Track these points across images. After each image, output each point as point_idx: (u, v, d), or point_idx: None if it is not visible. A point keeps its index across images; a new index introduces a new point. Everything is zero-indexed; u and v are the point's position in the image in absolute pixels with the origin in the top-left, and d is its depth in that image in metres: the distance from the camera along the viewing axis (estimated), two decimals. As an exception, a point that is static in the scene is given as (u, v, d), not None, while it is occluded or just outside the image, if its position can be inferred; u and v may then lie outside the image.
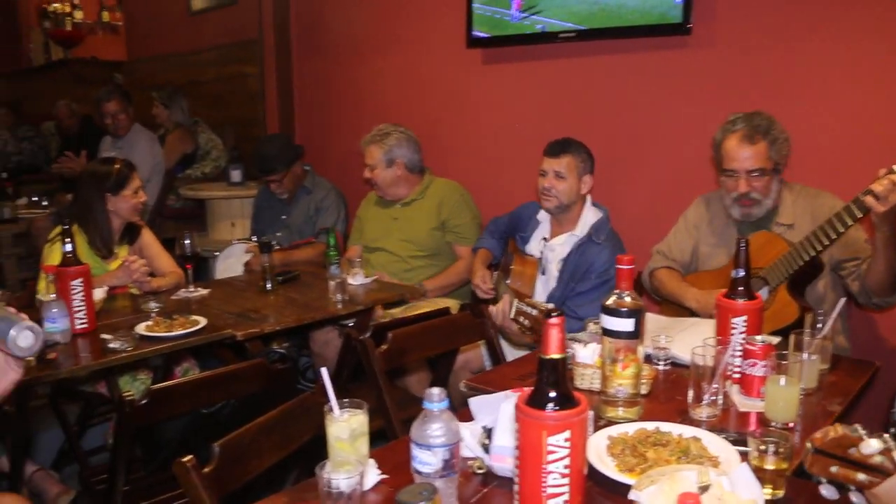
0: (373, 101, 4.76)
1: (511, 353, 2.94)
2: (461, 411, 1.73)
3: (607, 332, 1.74)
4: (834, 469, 1.31)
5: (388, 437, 2.23)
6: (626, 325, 1.71)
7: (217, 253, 3.97)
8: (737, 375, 1.90)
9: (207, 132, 5.95)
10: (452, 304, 3.50)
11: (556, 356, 1.20)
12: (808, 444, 1.35)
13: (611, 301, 1.73)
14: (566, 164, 2.97)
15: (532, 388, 1.24)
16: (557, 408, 1.20)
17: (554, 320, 1.20)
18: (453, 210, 3.65)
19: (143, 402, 1.91)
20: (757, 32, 3.04)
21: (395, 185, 3.68)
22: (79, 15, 9.75)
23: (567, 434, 1.20)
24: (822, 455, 1.33)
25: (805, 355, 1.91)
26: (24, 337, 1.20)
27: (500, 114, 4.01)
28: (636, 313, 1.71)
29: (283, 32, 5.28)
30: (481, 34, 3.88)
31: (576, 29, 3.47)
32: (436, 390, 1.24)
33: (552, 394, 1.21)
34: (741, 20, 3.07)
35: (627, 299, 1.72)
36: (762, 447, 1.41)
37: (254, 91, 5.67)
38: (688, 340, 2.19)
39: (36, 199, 6.11)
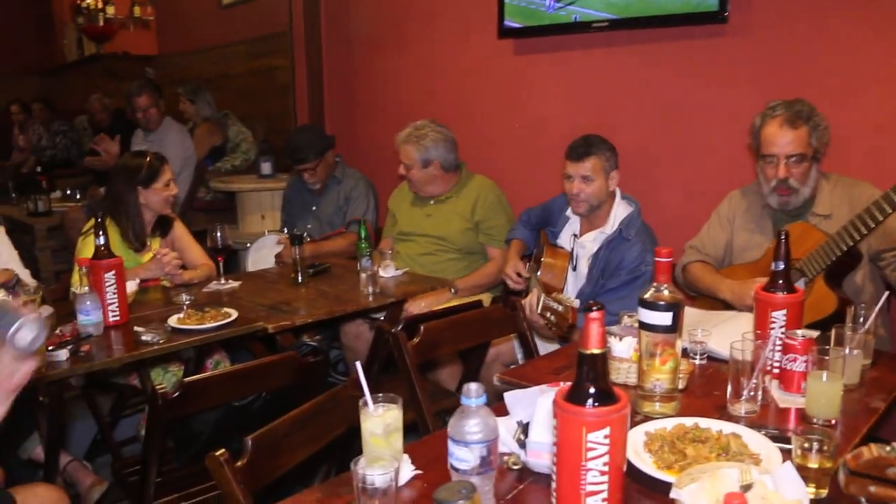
0: (403, 92, 4.74)
1: (544, 347, 2.91)
2: (495, 405, 1.70)
3: (644, 326, 1.70)
4: (873, 489, 1.28)
5: (420, 431, 2.22)
6: (664, 318, 1.67)
7: (248, 245, 3.97)
8: (776, 370, 1.86)
9: (237, 125, 5.97)
10: (485, 297, 3.49)
11: (595, 351, 1.18)
12: (842, 466, 1.32)
13: (648, 294, 1.69)
14: (591, 166, 2.91)
15: (571, 383, 1.21)
16: (597, 404, 1.18)
17: (594, 314, 1.17)
18: (488, 211, 3.60)
19: (176, 394, 1.91)
20: (795, 20, 2.97)
21: (431, 183, 3.64)
22: (111, 10, 9.82)
23: (607, 431, 1.17)
24: (858, 476, 1.29)
25: (847, 350, 1.86)
26: (26, 332, 1.15)
27: (533, 105, 3.96)
28: (674, 307, 1.67)
29: (313, 25, 5.27)
30: (513, 24, 3.84)
31: (609, 18, 3.42)
32: (473, 386, 1.22)
33: (592, 389, 1.18)
34: (779, 7, 3.00)
35: (665, 292, 1.68)
36: (806, 445, 1.37)
37: (284, 84, 5.67)
38: (725, 334, 2.15)
39: (69, 192, 6.19)
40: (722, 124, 3.21)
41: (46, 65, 10.25)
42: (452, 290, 3.33)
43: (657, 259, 1.71)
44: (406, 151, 3.60)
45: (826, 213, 2.59)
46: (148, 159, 3.17)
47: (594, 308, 1.18)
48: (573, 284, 3.05)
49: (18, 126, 8.65)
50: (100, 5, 9.62)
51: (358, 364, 1.47)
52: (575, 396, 1.19)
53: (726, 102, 3.19)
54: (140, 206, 3.15)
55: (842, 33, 2.88)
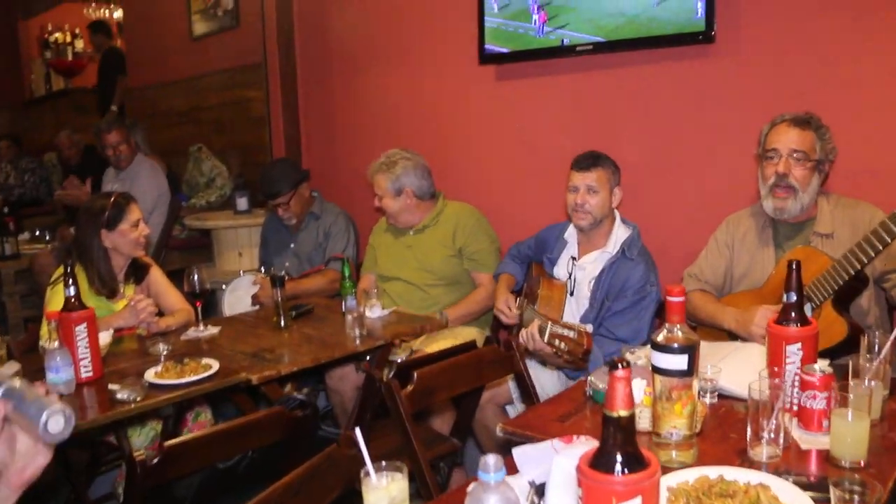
0: (382, 124, 4.63)
1: (537, 377, 2.80)
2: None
3: (658, 371, 1.59)
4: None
5: (417, 482, 2.10)
6: (679, 362, 1.57)
7: (225, 287, 3.83)
8: (795, 408, 1.76)
9: (212, 159, 5.84)
10: (476, 334, 3.37)
11: (623, 413, 1.07)
12: None
13: (661, 337, 1.58)
14: (598, 177, 2.85)
15: (590, 443, 1.10)
16: (626, 470, 1.06)
17: (620, 373, 1.06)
18: (469, 236, 3.49)
19: (155, 460, 1.76)
20: (784, 38, 2.91)
21: (406, 212, 3.54)
22: (79, 44, 9.72)
23: (638, 500, 1.06)
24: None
25: (866, 382, 1.76)
26: (54, 422, 1.11)
27: (517, 132, 3.87)
28: (690, 349, 1.56)
29: (288, 55, 5.16)
30: (496, 49, 3.74)
31: (594, 41, 3.34)
32: (491, 460, 1.09)
33: (620, 456, 1.07)
34: (766, 25, 2.95)
35: (679, 334, 1.58)
36: (847, 496, 1.26)
37: (259, 116, 5.55)
38: (734, 368, 2.06)
39: (38, 233, 6.01)
40: (714, 145, 3.14)
41: (14, 100, 10.06)
42: (442, 318, 3.22)
43: (669, 298, 1.60)
44: (378, 181, 3.52)
45: (827, 231, 2.51)
46: (112, 199, 3.03)
47: (620, 365, 1.07)
48: (570, 313, 2.94)
49: (-15, 163, 8.47)
50: (68, 39, 9.50)
51: (357, 431, 1.35)
52: (602, 463, 1.08)
53: (717, 123, 3.12)
54: (107, 250, 3.01)
55: (830, 50, 2.82)
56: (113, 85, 7.40)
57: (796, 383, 1.74)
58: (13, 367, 2.56)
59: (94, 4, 9.57)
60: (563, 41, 3.44)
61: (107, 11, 9.62)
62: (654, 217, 3.30)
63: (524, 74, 3.77)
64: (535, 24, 3.55)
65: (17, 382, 1.15)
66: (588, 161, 2.88)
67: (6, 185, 8.07)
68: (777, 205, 2.53)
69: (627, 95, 3.40)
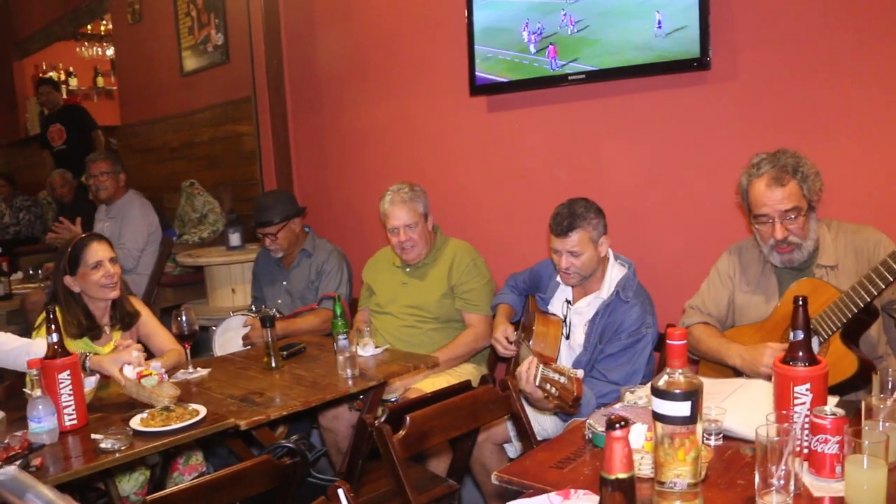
0: (374, 157, 4.58)
1: (535, 416, 2.73)
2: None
3: (659, 417, 1.51)
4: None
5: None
6: (682, 408, 1.49)
7: (215, 328, 3.75)
8: (805, 452, 1.68)
9: (204, 195, 5.79)
10: (472, 371, 3.30)
11: (622, 475, 0.99)
12: None
13: (662, 382, 1.51)
14: (577, 240, 2.73)
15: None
16: (626, 537, 0.99)
17: (617, 433, 0.99)
18: (463, 275, 3.42)
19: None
20: (781, 64, 2.86)
21: (424, 242, 3.46)
22: (74, 82, 9.76)
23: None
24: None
25: (884, 424, 1.68)
26: None
27: (510, 163, 3.81)
28: (692, 395, 1.49)
29: (278, 89, 5.13)
30: (487, 79, 3.69)
31: (586, 70, 3.29)
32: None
33: (619, 522, 0.99)
34: (762, 51, 2.89)
35: (681, 379, 1.50)
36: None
37: (250, 150, 5.50)
38: (740, 408, 1.98)
39: (32, 272, 5.94)
40: (712, 173, 3.07)
41: (9, 139, 10.06)
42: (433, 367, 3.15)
43: (670, 342, 1.53)
44: (409, 210, 3.39)
45: (832, 263, 2.44)
46: (74, 242, 2.96)
47: (618, 425, 1.00)
48: (567, 354, 2.87)
49: (-19, 202, 8.44)
50: (62, 77, 9.52)
51: (341, 493, 1.27)
52: (600, 530, 1.00)
53: (714, 150, 3.07)
54: (79, 294, 2.94)
55: (828, 76, 2.77)
56: (87, 143, 7.36)
57: (806, 426, 1.66)
58: (-4, 415, 2.49)
59: (86, 43, 9.60)
60: (583, 75, 3.35)
61: (99, 50, 9.66)
62: (650, 248, 3.24)
63: (516, 105, 3.73)
64: (530, 52, 3.50)
65: (52, 494, 1.17)
66: (564, 224, 2.74)
67: (1, 223, 8.03)
68: (784, 259, 2.46)
69: (622, 124, 3.34)
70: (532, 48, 3.48)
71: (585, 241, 2.74)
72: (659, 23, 3.03)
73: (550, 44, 3.41)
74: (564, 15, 3.33)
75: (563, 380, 2.25)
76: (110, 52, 9.27)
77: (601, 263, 2.83)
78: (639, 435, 1.75)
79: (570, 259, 2.76)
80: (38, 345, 2.64)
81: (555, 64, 3.40)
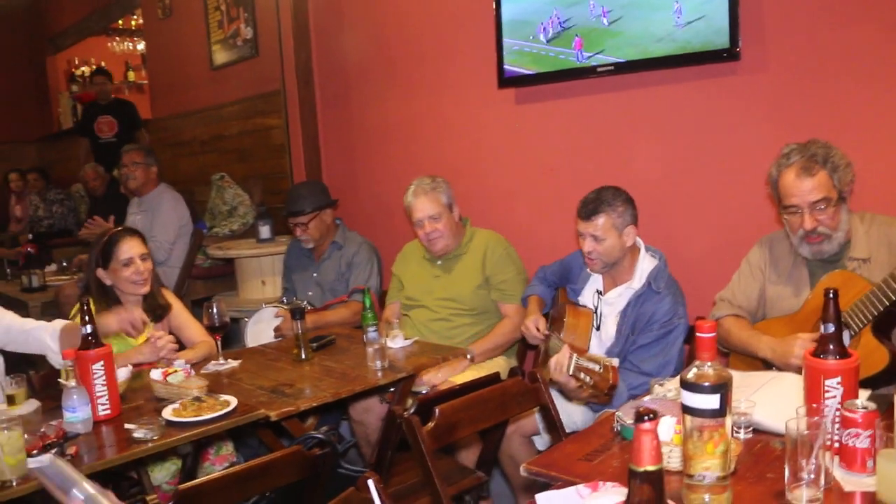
0: (402, 149, 4.59)
1: (565, 408, 2.73)
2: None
3: (688, 410, 1.51)
4: None
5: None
6: (711, 401, 1.48)
7: (247, 319, 3.79)
8: (836, 445, 1.67)
9: (234, 188, 5.84)
10: (502, 363, 3.30)
11: (650, 468, 1.00)
12: None
13: (691, 375, 1.50)
14: (601, 224, 2.75)
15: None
16: (655, 531, 0.99)
17: (646, 425, 0.99)
18: (497, 265, 3.41)
19: (170, 505, 1.72)
20: (810, 53, 2.82)
21: (451, 233, 3.47)
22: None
23: (669, 562, 0.98)
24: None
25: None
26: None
27: (538, 155, 3.80)
28: (722, 388, 1.48)
29: (307, 82, 5.16)
30: (515, 71, 3.68)
31: (615, 62, 3.27)
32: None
33: (648, 515, 0.99)
34: (792, 41, 2.86)
35: (710, 371, 1.50)
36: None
37: (279, 144, 5.54)
38: (770, 401, 1.96)
39: (66, 264, 6.04)
40: (742, 165, 3.05)
41: (42, 133, 10.22)
42: (469, 357, 3.15)
43: (699, 335, 1.52)
44: (431, 202, 3.40)
45: (864, 256, 2.41)
46: (106, 237, 3.00)
47: (647, 418, 1.00)
48: (597, 346, 2.86)
49: (15, 196, 8.58)
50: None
51: (371, 483, 1.28)
52: (629, 522, 1.01)
53: (744, 142, 3.04)
54: (109, 287, 2.99)
55: (860, 65, 2.73)
56: (133, 139, 7.45)
57: (837, 420, 1.65)
58: (33, 405, 2.54)
59: (117, 38, 9.70)
60: (577, 58, 3.35)
61: (130, 45, 9.76)
62: (680, 240, 3.21)
63: (544, 97, 3.72)
64: (557, 44, 3.48)
65: (93, 490, 1.12)
66: (590, 207, 2.77)
67: (35, 216, 8.16)
68: (814, 249, 2.44)
69: (650, 116, 3.32)
70: (559, 40, 3.46)
71: (609, 227, 2.75)
72: (679, 12, 3.00)
73: (577, 35, 3.39)
74: (592, 6, 3.30)
75: (597, 368, 2.25)
76: (141, 46, 9.36)
77: (627, 253, 2.82)
78: (668, 427, 1.74)
79: (592, 243, 2.77)
80: (55, 323, 2.67)
81: (581, 56, 3.39)
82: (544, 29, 3.52)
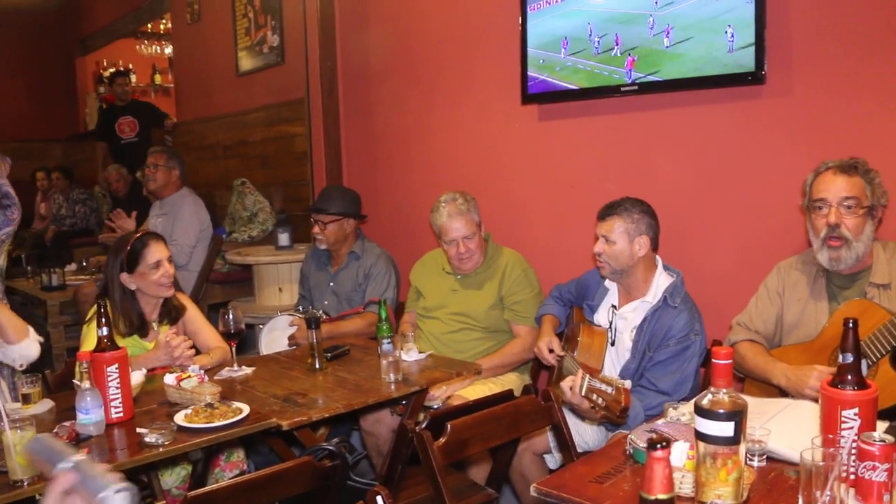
0: (425, 162, 4.59)
1: (577, 428, 2.71)
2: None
3: (702, 437, 1.50)
4: None
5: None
6: (725, 429, 1.47)
7: (262, 326, 3.80)
8: (851, 477, 1.64)
9: (255, 194, 5.87)
10: (515, 380, 3.29)
11: (662, 496, 0.98)
12: None
13: (706, 401, 1.49)
14: (613, 226, 2.78)
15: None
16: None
17: (659, 453, 0.98)
18: (513, 286, 3.41)
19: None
20: (837, 78, 2.80)
21: (482, 250, 3.48)
22: (132, 79, 9.97)
23: None
24: None
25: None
26: (117, 500, 1.10)
27: (560, 172, 3.79)
28: (736, 415, 1.47)
29: (331, 92, 5.18)
30: (539, 87, 3.67)
31: (639, 81, 3.25)
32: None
33: (658, 544, 0.98)
34: (819, 65, 2.83)
35: (725, 398, 1.49)
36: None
37: (302, 152, 5.57)
38: (785, 429, 1.94)
39: (85, 264, 6.10)
40: (764, 189, 3.02)
41: (69, 133, 10.35)
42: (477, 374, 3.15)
43: (715, 361, 1.51)
44: (466, 222, 3.38)
45: (885, 282, 2.39)
46: (131, 240, 3.01)
47: (659, 446, 0.99)
48: (614, 361, 2.85)
49: (42, 193, 8.68)
50: (122, 74, 9.75)
51: (379, 499, 1.28)
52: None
53: (767, 167, 3.01)
54: (131, 292, 3.00)
55: (886, 90, 2.70)
56: (153, 138, 7.57)
57: (853, 452, 1.63)
58: (47, 404, 2.56)
59: (145, 41, 9.81)
60: (655, 77, 3.31)
61: (158, 48, 9.86)
62: (700, 263, 3.19)
63: (567, 114, 3.71)
64: (587, 62, 3.46)
65: (82, 457, 1.15)
66: (605, 210, 2.84)
67: (58, 214, 8.25)
68: (832, 255, 2.41)
69: (674, 136, 3.31)
70: (591, 58, 3.45)
71: (621, 231, 2.77)
72: (732, 37, 2.97)
73: (608, 52, 3.38)
74: (652, 24, 3.26)
75: (610, 390, 2.24)
76: (168, 50, 9.45)
77: (640, 265, 2.81)
78: (680, 453, 1.73)
79: (603, 244, 2.80)
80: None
81: (618, 73, 3.36)
82: (578, 46, 3.50)
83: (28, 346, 2.87)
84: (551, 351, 3.03)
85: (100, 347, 2.39)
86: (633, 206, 2.81)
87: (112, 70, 9.89)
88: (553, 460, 2.89)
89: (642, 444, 1.86)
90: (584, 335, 2.90)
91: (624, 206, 2.80)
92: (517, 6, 3.72)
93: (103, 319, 2.41)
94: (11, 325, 2.78)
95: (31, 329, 2.93)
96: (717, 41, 2.99)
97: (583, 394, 2.32)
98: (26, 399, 2.51)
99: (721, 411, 1.47)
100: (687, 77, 3.11)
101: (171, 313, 3.09)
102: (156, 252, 3.00)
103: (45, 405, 2.54)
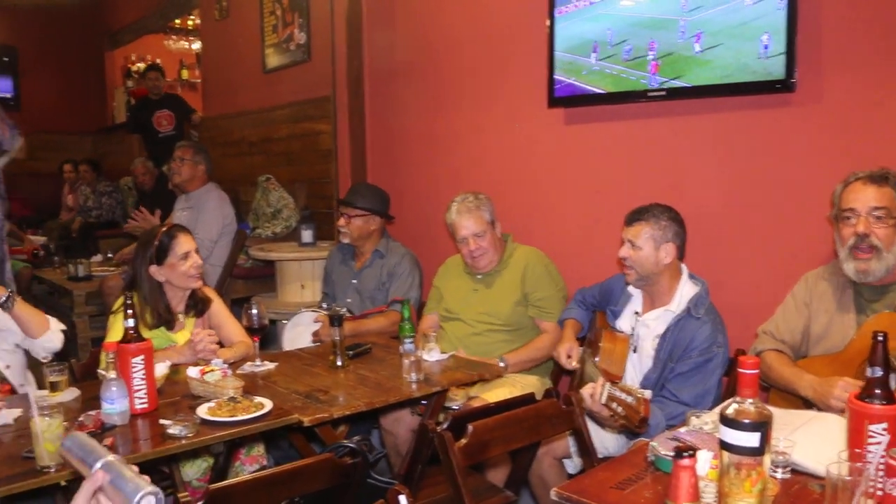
0: (450, 163, 4.59)
1: (597, 434, 2.70)
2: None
3: (727, 447, 1.49)
4: None
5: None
6: (751, 439, 1.46)
7: (285, 322, 3.81)
8: (878, 493, 1.62)
9: (279, 190, 5.90)
10: (537, 383, 3.28)
11: (688, 506, 0.98)
12: None
13: (731, 410, 1.48)
14: (638, 232, 2.76)
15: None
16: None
17: (685, 462, 0.98)
18: (536, 282, 3.40)
19: (200, 505, 1.73)
20: (870, 87, 2.77)
21: (494, 249, 3.48)
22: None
23: None
24: None
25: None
26: (146, 502, 1.14)
27: (586, 177, 3.78)
28: (762, 426, 1.46)
29: (357, 90, 5.20)
30: (566, 90, 3.66)
31: (667, 87, 3.24)
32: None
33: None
34: (851, 73, 2.81)
35: (751, 408, 1.48)
36: None
37: (326, 149, 5.59)
38: (810, 442, 1.92)
39: (111, 255, 6.16)
40: (792, 198, 3.00)
41: (98, 126, 10.46)
42: (502, 365, 3.14)
43: (741, 371, 1.50)
44: (475, 220, 3.41)
45: None
46: (159, 233, 3.04)
47: (686, 454, 0.98)
48: (636, 368, 2.84)
49: (69, 185, 8.78)
50: (146, 69, 9.85)
51: (402, 500, 1.28)
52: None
53: (795, 176, 2.99)
54: (159, 284, 3.02)
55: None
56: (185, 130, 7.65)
57: (881, 468, 1.61)
58: (73, 393, 2.59)
59: (174, 37, 9.90)
60: (644, 81, 3.31)
61: (185, 44, 9.94)
62: (725, 271, 3.17)
63: (593, 118, 3.70)
64: (613, 66, 3.44)
65: (115, 458, 1.19)
66: (632, 215, 2.82)
67: (84, 206, 8.34)
68: (859, 267, 2.38)
69: (701, 143, 3.29)
70: (618, 62, 3.44)
71: (646, 237, 2.75)
72: (762, 44, 2.95)
73: (636, 57, 3.36)
74: (682, 30, 3.25)
75: (630, 399, 2.23)
76: (196, 46, 9.54)
77: (665, 272, 2.79)
78: (704, 462, 1.71)
79: (628, 249, 2.78)
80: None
81: (644, 78, 3.34)
82: (604, 51, 3.49)
83: (50, 339, 2.96)
84: (569, 357, 3.03)
85: (126, 339, 2.41)
86: (662, 213, 2.79)
87: (140, 65, 10.00)
88: (572, 465, 2.89)
89: (664, 452, 1.85)
90: (606, 340, 2.89)
91: (652, 213, 2.79)
92: (545, 9, 3.71)
93: (130, 311, 2.44)
94: (32, 321, 2.93)
95: (52, 320, 3.00)
96: (747, 48, 2.98)
97: (603, 402, 2.32)
98: (54, 387, 2.54)
99: (746, 421, 1.46)
100: (715, 83, 3.10)
101: (198, 305, 3.12)
102: (184, 243, 3.03)
103: (72, 393, 2.57)
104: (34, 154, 4.14)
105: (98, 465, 1.17)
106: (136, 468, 1.19)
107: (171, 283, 3.03)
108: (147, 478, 1.16)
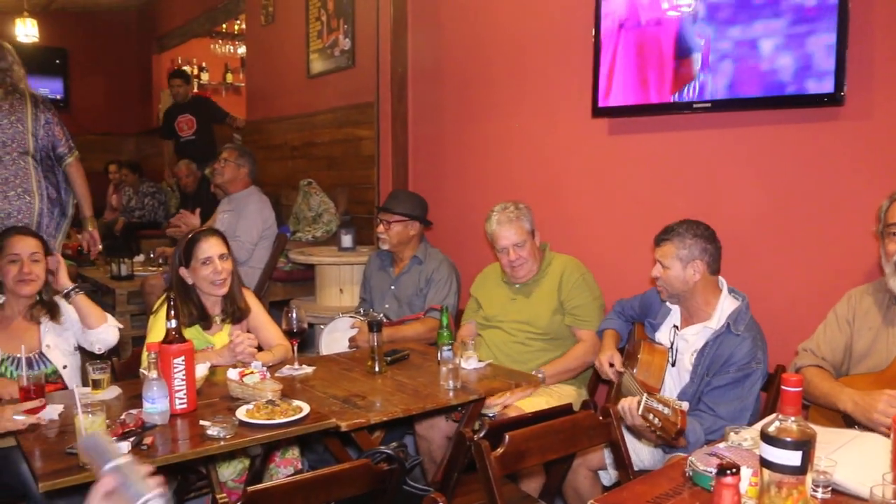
0: (492, 172, 4.59)
1: (634, 448, 2.68)
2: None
3: (767, 464, 1.47)
4: None
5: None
6: (792, 458, 1.44)
7: (322, 326, 3.84)
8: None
9: (321, 194, 5.94)
10: (574, 394, 3.27)
11: (729, 525, 0.97)
12: None
13: (773, 428, 1.46)
14: (664, 252, 2.78)
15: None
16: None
17: (729, 479, 0.97)
18: (573, 290, 3.39)
19: (238, 507, 1.75)
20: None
21: (537, 258, 3.48)
22: (205, 77, 10.22)
23: None
24: None
25: None
26: None
27: (628, 188, 3.75)
28: (805, 444, 1.44)
29: (401, 97, 5.22)
30: (611, 101, 3.64)
31: (712, 99, 3.21)
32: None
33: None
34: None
35: (794, 427, 1.46)
36: None
37: (369, 155, 5.62)
38: (852, 462, 1.89)
39: (153, 255, 6.25)
40: (837, 214, 2.95)
41: (143, 128, 10.64)
42: (541, 378, 3.13)
43: (784, 388, 1.48)
44: (516, 229, 3.40)
45: None
46: (189, 235, 3.10)
47: (729, 472, 0.97)
48: (674, 382, 2.81)
49: (113, 186, 8.94)
50: (195, 72, 9.99)
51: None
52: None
53: (842, 191, 2.93)
54: (190, 285, 3.08)
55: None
56: (213, 134, 7.76)
57: (925, 489, 1.58)
58: (115, 391, 2.64)
59: (220, 41, 10.03)
60: (683, 94, 3.29)
61: (231, 48, 10.07)
62: (766, 286, 3.13)
63: (637, 130, 3.67)
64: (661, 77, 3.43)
65: (127, 460, 1.21)
66: (660, 235, 2.84)
67: (128, 206, 8.48)
68: None
69: (745, 156, 3.24)
70: (666, 73, 3.41)
71: (672, 256, 2.75)
72: (812, 57, 2.91)
73: (685, 70, 3.34)
74: (705, 42, 3.23)
75: (667, 411, 2.22)
76: (241, 50, 9.64)
77: (697, 290, 2.77)
78: (743, 479, 1.70)
79: (659, 269, 2.80)
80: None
81: (689, 91, 3.32)
82: (651, 61, 3.47)
83: (106, 331, 3.07)
84: (612, 366, 3.01)
85: (168, 339, 2.45)
86: (687, 231, 2.78)
87: (186, 68, 10.15)
88: (607, 477, 2.87)
89: (703, 467, 1.83)
90: (645, 352, 2.87)
91: (677, 232, 2.78)
92: (591, 17, 3.70)
93: (172, 312, 2.47)
94: (93, 313, 3.06)
95: (109, 316, 3.09)
96: (796, 61, 2.94)
97: (640, 412, 2.30)
98: (96, 385, 2.59)
99: (789, 440, 1.44)
100: (763, 96, 3.06)
101: (235, 314, 3.14)
102: (206, 249, 3.05)
103: (113, 391, 2.62)
104: (81, 155, 4.25)
105: (109, 467, 1.19)
106: (147, 469, 1.22)
107: (199, 288, 3.08)
108: (155, 479, 1.19)
